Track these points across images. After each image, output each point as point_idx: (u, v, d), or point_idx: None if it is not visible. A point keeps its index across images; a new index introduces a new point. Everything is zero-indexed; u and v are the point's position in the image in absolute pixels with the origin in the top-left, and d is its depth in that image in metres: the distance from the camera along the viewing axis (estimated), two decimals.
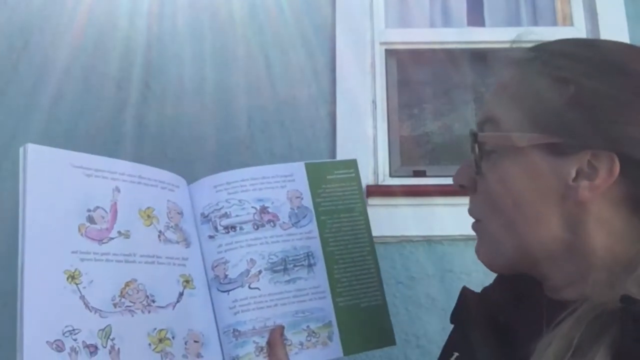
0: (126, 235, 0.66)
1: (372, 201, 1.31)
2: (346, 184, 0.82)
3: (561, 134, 0.47)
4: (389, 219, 1.30)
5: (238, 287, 0.73)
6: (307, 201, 0.79)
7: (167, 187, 0.73)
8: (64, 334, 0.57)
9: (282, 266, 0.75)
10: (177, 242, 0.72)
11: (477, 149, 0.52)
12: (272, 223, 0.76)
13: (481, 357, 0.54)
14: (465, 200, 0.56)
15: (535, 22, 1.56)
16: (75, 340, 0.57)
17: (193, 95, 1.43)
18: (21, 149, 0.60)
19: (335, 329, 0.75)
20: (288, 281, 0.75)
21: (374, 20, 1.49)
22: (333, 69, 1.43)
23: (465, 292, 0.61)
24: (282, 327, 0.73)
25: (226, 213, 0.75)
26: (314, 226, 0.78)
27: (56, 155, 0.63)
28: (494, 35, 1.48)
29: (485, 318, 0.56)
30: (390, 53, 1.49)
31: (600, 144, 0.45)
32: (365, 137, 1.39)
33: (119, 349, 0.61)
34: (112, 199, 0.66)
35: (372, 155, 1.38)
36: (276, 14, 1.47)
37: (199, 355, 0.69)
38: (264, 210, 0.76)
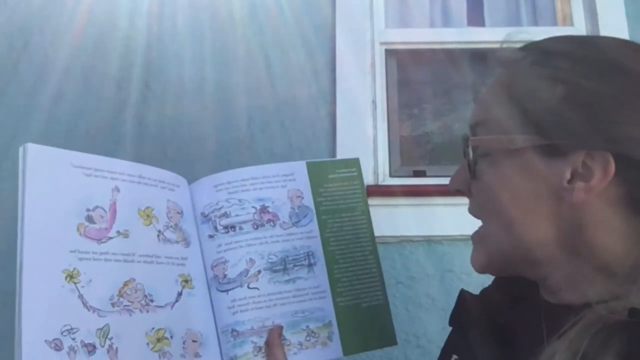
0: (125, 234, 0.66)
1: (372, 201, 1.29)
2: (348, 183, 0.81)
3: (554, 135, 0.46)
4: (389, 219, 1.29)
5: (237, 287, 0.72)
6: (308, 200, 0.79)
7: (167, 187, 0.73)
8: (62, 333, 0.57)
9: (282, 266, 0.75)
10: (177, 242, 0.72)
11: (470, 153, 0.51)
12: (272, 223, 0.76)
13: (480, 359, 0.53)
14: (466, 200, 0.56)
15: (535, 22, 1.56)
16: (73, 339, 0.57)
17: (193, 95, 1.43)
18: (21, 149, 0.60)
19: (335, 329, 0.75)
20: (287, 281, 0.75)
21: (374, 20, 1.49)
22: (333, 69, 1.43)
23: (463, 294, 0.61)
24: (281, 327, 0.72)
25: (226, 213, 0.75)
26: (314, 226, 0.78)
27: (56, 154, 0.63)
28: (494, 35, 1.48)
29: (483, 320, 0.56)
30: (390, 53, 1.49)
31: (596, 144, 0.44)
32: (365, 137, 1.39)
33: (117, 348, 0.61)
34: (111, 198, 0.66)
35: (372, 155, 1.38)
36: (276, 14, 1.47)
37: (197, 354, 0.68)
38: (263, 209, 0.76)
